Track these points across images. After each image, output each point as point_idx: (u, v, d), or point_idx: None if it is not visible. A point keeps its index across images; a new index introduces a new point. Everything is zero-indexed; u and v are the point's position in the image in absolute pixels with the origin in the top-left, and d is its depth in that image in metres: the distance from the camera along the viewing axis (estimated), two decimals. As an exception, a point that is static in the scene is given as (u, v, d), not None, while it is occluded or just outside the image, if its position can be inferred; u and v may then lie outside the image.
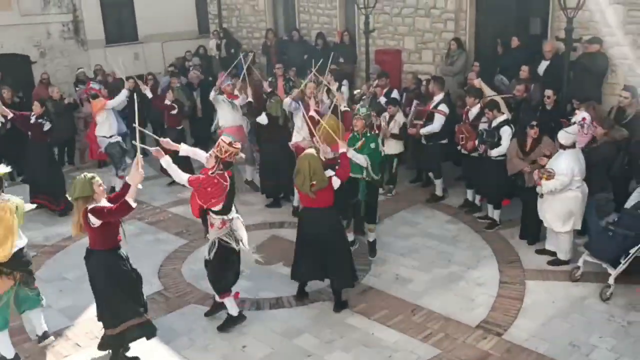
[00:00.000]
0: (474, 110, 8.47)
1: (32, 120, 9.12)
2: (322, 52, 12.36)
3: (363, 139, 7.13)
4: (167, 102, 10.36)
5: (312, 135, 7.38)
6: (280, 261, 7.46)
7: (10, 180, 9.77)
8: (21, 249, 5.57)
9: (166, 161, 5.85)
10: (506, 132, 7.80)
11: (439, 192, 9.39)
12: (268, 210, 9.30)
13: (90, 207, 5.12)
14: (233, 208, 5.99)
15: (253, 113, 9.52)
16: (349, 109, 8.07)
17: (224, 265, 5.99)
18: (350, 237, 7.37)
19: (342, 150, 6.36)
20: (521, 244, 7.73)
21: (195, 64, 14.12)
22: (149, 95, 10.63)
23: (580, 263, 6.74)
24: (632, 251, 6.24)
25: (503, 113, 8.04)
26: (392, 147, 9.26)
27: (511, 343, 5.73)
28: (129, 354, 5.67)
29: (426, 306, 6.44)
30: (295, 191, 8.26)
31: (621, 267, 6.31)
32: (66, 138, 11.76)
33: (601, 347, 5.62)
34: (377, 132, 7.74)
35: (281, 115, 9.03)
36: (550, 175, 6.75)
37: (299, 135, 8.72)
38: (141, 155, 5.38)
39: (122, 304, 5.42)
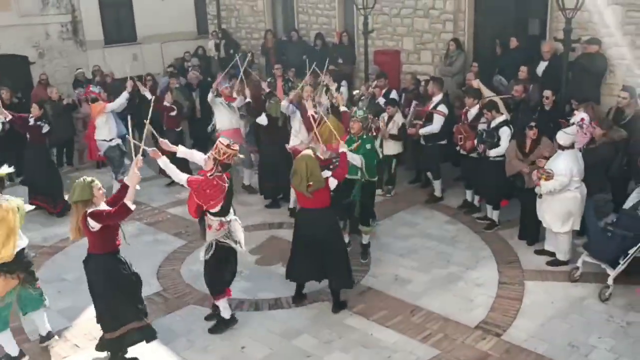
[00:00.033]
0: (473, 111, 8.47)
1: (31, 122, 9.13)
2: (321, 52, 12.37)
3: (359, 140, 7.13)
4: (166, 103, 10.35)
5: (311, 131, 7.38)
6: (279, 262, 7.46)
7: (10, 182, 9.75)
8: (22, 250, 5.59)
9: (163, 161, 5.85)
10: (505, 133, 7.80)
11: (438, 192, 9.39)
12: (267, 211, 9.31)
13: (89, 211, 5.11)
14: (231, 210, 5.99)
15: (252, 114, 9.52)
16: (347, 110, 8.07)
17: (221, 266, 6.00)
18: (346, 238, 7.35)
19: (341, 150, 6.37)
20: (520, 244, 7.74)
21: (194, 64, 14.12)
22: (149, 96, 10.56)
23: (579, 263, 6.74)
24: (630, 252, 6.24)
25: (502, 114, 8.04)
26: (391, 148, 9.28)
27: (510, 343, 5.73)
28: (127, 355, 5.65)
29: (425, 307, 6.44)
30: (292, 192, 8.27)
31: (620, 268, 6.32)
32: (65, 139, 11.76)
33: (600, 347, 5.62)
34: (374, 134, 7.74)
35: (281, 116, 9.01)
36: (549, 176, 6.75)
37: (296, 139, 8.68)
38: (141, 157, 5.39)
39: (122, 307, 5.41)
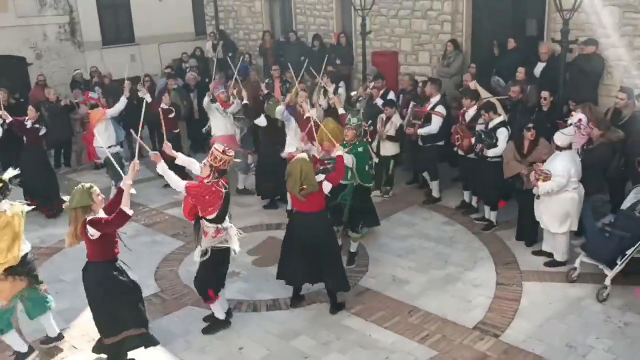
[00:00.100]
0: (471, 112, 8.48)
1: (28, 125, 9.12)
2: (319, 54, 12.38)
3: (351, 146, 7.13)
4: (164, 105, 10.30)
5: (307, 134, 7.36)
6: (277, 263, 7.43)
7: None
8: (26, 255, 5.63)
9: (162, 167, 5.83)
10: (503, 134, 7.81)
11: (436, 193, 9.39)
12: (265, 212, 9.31)
13: (88, 219, 5.11)
14: (227, 217, 5.97)
15: (250, 116, 9.51)
16: (345, 113, 8.07)
17: (215, 269, 5.98)
18: (341, 242, 7.31)
19: (338, 153, 6.36)
20: (518, 245, 7.74)
21: (192, 65, 14.12)
22: (149, 99, 10.50)
23: (577, 264, 6.75)
24: (628, 252, 6.25)
25: (500, 115, 8.05)
26: (389, 149, 9.29)
27: (508, 344, 5.73)
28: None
29: (423, 308, 6.44)
30: (289, 194, 8.26)
31: (618, 269, 6.32)
32: (63, 140, 11.75)
33: (598, 348, 5.63)
34: (369, 140, 7.74)
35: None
36: (547, 177, 6.76)
37: (292, 146, 8.67)
38: (138, 162, 5.42)
39: (122, 315, 5.39)
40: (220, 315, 6.15)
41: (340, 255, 6.58)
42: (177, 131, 10.50)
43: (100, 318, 5.43)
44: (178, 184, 5.77)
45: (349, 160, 6.94)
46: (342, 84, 11.39)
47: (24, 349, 5.74)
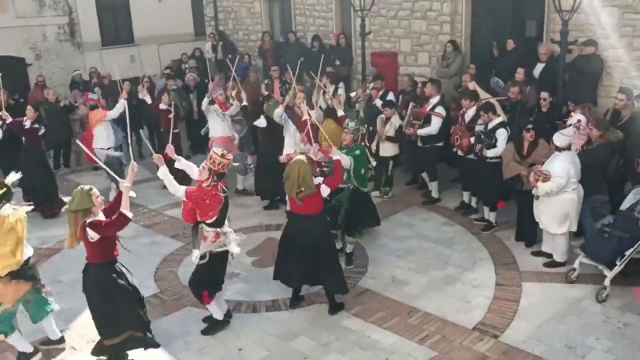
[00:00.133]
0: (470, 113, 8.48)
1: (27, 125, 9.11)
2: (318, 54, 12.38)
3: (346, 150, 7.13)
4: (163, 105, 10.31)
5: (309, 140, 7.37)
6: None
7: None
8: (28, 259, 5.64)
9: (163, 172, 5.81)
10: (502, 135, 7.81)
11: (435, 194, 9.40)
12: (264, 213, 9.30)
13: (88, 221, 5.11)
14: (226, 221, 5.96)
15: (249, 117, 9.50)
16: (344, 114, 8.07)
17: (211, 271, 5.97)
18: (338, 245, 7.29)
19: (335, 157, 6.35)
20: (517, 246, 7.75)
21: (192, 66, 14.11)
22: (148, 100, 10.55)
23: (576, 265, 6.76)
24: (627, 253, 6.25)
25: (499, 115, 8.06)
26: (388, 150, 9.29)
27: (507, 345, 5.74)
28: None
29: (422, 308, 6.45)
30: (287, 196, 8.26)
31: (617, 269, 6.32)
32: (62, 140, 11.74)
33: (597, 348, 5.63)
34: (366, 144, 7.74)
35: (280, 117, 9.01)
36: (546, 178, 6.76)
37: (289, 148, 8.66)
38: (135, 163, 5.43)
39: (122, 316, 5.39)
40: (218, 315, 6.15)
41: (338, 258, 6.58)
42: (176, 131, 10.50)
43: (100, 319, 5.43)
44: (177, 189, 5.75)
45: (347, 161, 6.93)
46: (341, 84, 11.40)
47: (28, 349, 5.76)
